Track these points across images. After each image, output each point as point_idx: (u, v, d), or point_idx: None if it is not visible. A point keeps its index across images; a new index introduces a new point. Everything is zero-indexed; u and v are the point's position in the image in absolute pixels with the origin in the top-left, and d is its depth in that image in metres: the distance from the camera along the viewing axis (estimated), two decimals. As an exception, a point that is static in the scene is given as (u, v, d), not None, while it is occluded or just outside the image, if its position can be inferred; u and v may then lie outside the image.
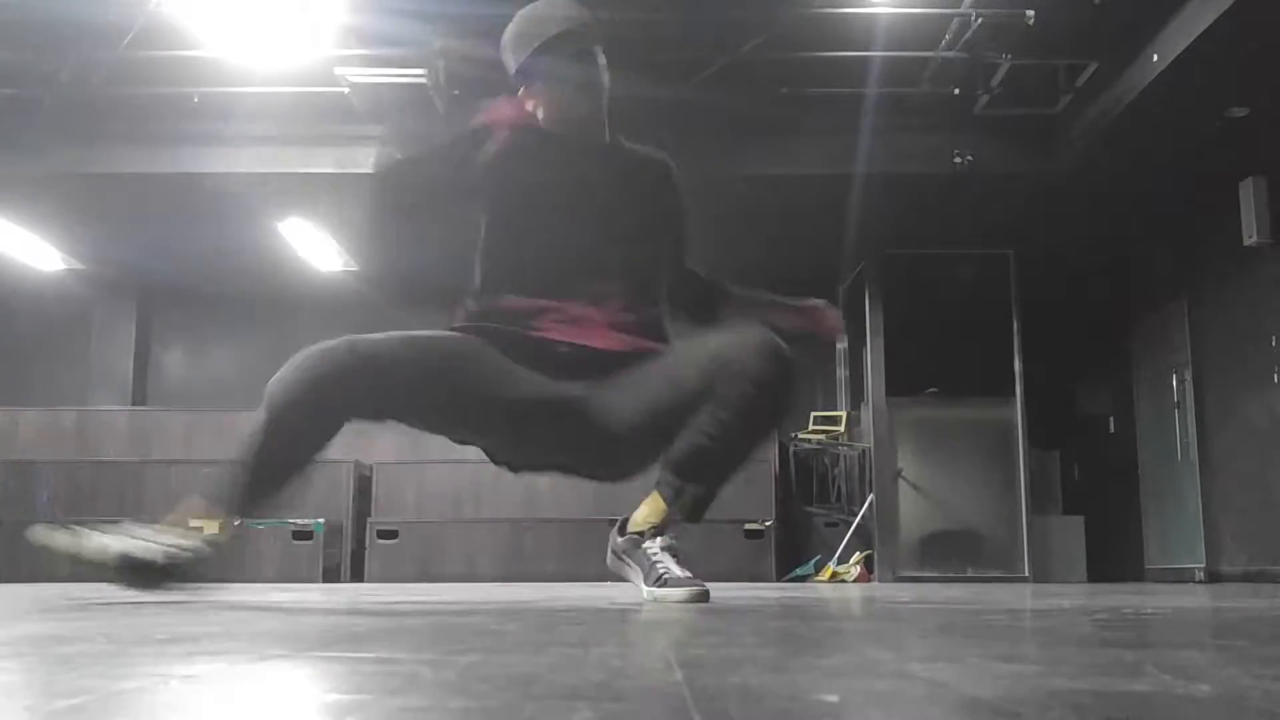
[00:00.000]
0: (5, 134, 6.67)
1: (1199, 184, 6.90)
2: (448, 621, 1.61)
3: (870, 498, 7.92)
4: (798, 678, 0.81)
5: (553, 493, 7.48)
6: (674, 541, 2.30)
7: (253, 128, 6.77)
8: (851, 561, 7.54)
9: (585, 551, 7.20)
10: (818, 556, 7.71)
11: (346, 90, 6.32)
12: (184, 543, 2.25)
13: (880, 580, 7.55)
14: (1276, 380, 6.68)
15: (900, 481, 7.94)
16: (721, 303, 2.62)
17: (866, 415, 8.22)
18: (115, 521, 2.27)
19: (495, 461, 2.50)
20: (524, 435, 2.33)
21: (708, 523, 2.35)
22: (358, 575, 7.23)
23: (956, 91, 6.41)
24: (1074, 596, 3.08)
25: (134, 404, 9.42)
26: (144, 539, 2.22)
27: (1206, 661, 0.94)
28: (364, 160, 7.08)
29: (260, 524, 7.10)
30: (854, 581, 7.27)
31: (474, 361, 2.24)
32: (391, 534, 7.29)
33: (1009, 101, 6.50)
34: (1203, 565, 7.36)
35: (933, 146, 6.76)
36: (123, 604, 2.08)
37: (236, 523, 2.32)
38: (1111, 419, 8.97)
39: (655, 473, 2.32)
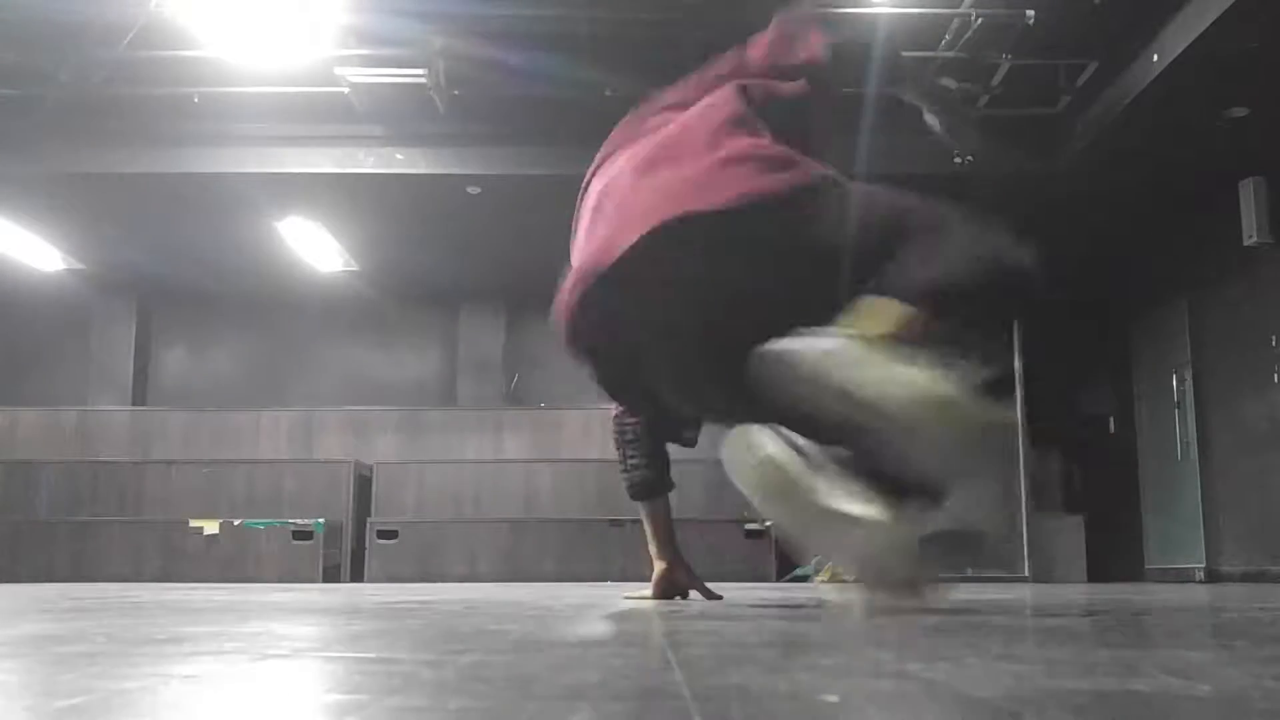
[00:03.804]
0: (5, 134, 6.67)
1: (1199, 184, 6.90)
2: (448, 621, 1.61)
3: (870, 498, 7.91)
4: (798, 678, 0.81)
5: (553, 493, 7.49)
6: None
7: (253, 128, 6.77)
8: (851, 561, 7.52)
9: (585, 551, 7.21)
10: (818, 556, 7.70)
11: (346, 90, 6.32)
12: None
13: (880, 580, 7.53)
14: (1276, 380, 6.68)
15: (900, 481, 7.93)
16: None
17: (866, 415, 8.22)
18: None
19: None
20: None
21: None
22: (358, 575, 7.23)
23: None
24: (1074, 596, 3.08)
25: (134, 404, 9.42)
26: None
27: (1206, 661, 0.94)
28: (364, 160, 7.09)
29: (260, 524, 7.11)
30: (854, 581, 7.26)
31: None
32: (391, 534, 7.29)
33: (1009, 101, 6.50)
34: (1203, 565, 7.36)
35: (933, 146, 6.76)
36: (122, 604, 2.08)
37: None
38: (1111, 419, 8.96)
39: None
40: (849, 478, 1.66)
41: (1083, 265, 8.43)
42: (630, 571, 6.65)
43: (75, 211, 7.67)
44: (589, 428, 7.92)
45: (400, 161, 6.90)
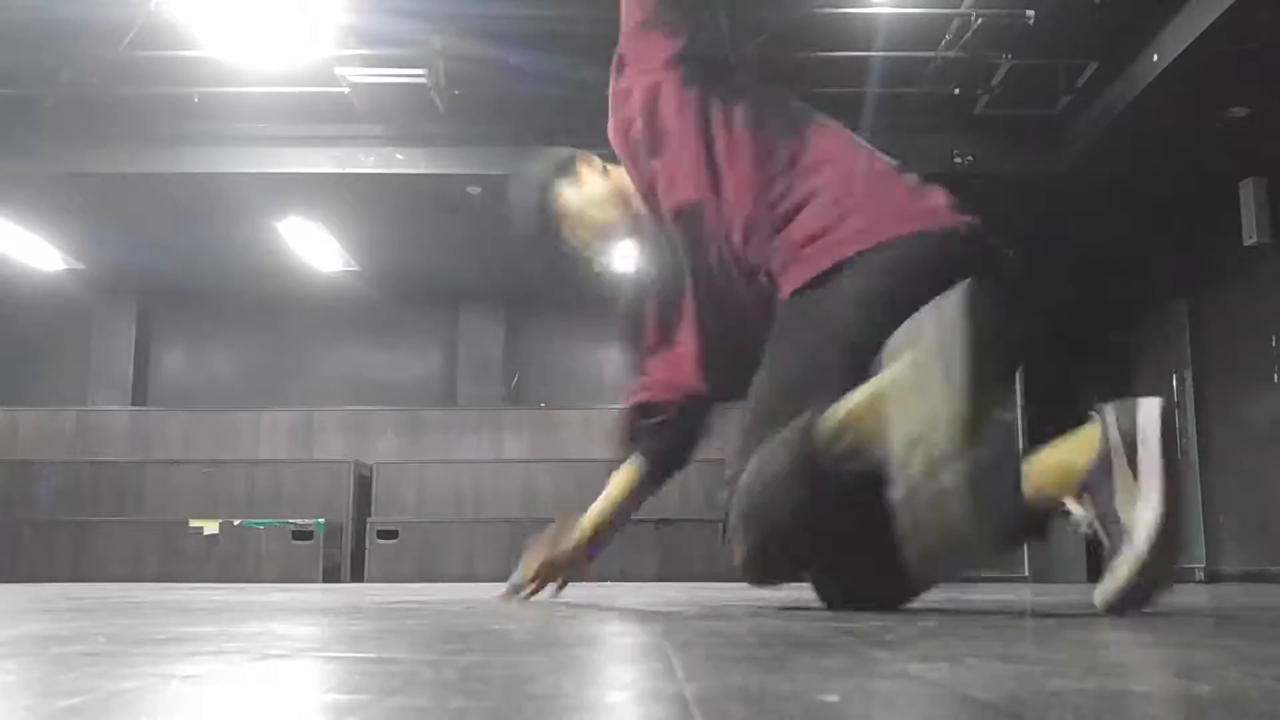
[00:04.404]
0: (5, 134, 6.67)
1: (1199, 184, 6.90)
2: (448, 621, 1.61)
3: (870, 498, 7.92)
4: (798, 678, 0.81)
5: (553, 493, 7.49)
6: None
7: (253, 128, 6.78)
8: (851, 561, 7.53)
9: (585, 551, 7.21)
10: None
11: (346, 90, 6.32)
12: None
13: (880, 580, 7.54)
14: (1276, 380, 6.68)
15: (900, 481, 7.93)
16: None
17: (866, 415, 8.21)
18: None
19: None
20: None
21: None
22: (358, 575, 7.22)
23: (956, 91, 6.41)
24: (1074, 596, 3.08)
25: (134, 404, 9.42)
26: None
27: (1206, 661, 0.94)
28: (364, 160, 7.09)
29: (260, 524, 7.11)
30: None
31: None
32: (391, 534, 7.29)
33: (1009, 101, 6.50)
34: (1203, 565, 7.36)
35: (933, 146, 6.77)
36: (122, 604, 2.08)
37: None
38: (1111, 419, 8.97)
39: None
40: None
41: (1082, 265, 8.44)
42: (630, 571, 6.65)
43: (75, 211, 7.67)
44: (589, 428, 7.92)
45: (400, 161, 6.90)
